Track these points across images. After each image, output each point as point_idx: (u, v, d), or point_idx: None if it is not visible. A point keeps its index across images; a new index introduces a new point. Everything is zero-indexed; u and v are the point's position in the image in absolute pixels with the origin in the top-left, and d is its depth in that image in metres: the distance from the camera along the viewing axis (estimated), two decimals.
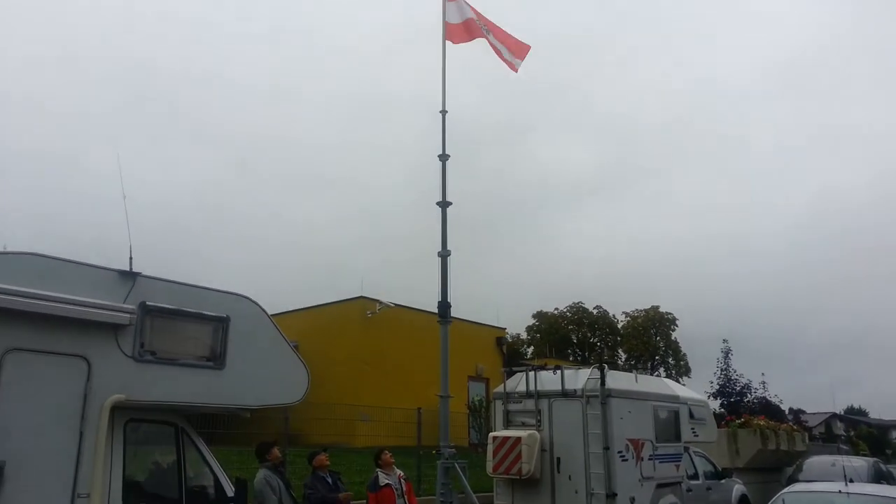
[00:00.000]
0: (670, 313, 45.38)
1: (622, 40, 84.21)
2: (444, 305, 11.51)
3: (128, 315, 5.85)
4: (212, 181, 60.12)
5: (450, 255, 11.81)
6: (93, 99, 57.68)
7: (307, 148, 67.39)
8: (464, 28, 13.00)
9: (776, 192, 78.72)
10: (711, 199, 77.34)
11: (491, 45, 13.15)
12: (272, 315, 7.27)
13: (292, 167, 66.56)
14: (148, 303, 6.00)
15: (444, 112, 12.43)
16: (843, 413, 60.95)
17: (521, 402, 12.10)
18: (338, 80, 76.22)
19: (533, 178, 74.45)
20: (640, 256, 67.05)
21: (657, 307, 45.98)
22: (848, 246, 77.99)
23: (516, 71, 13.22)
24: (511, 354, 31.62)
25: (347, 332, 23.11)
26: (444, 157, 12.24)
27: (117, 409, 5.83)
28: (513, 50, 13.30)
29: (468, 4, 13.14)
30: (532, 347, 46.58)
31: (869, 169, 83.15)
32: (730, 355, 29.46)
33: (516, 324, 46.86)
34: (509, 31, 13.52)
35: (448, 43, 12.70)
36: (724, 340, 30.01)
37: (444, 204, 12.04)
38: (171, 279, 6.37)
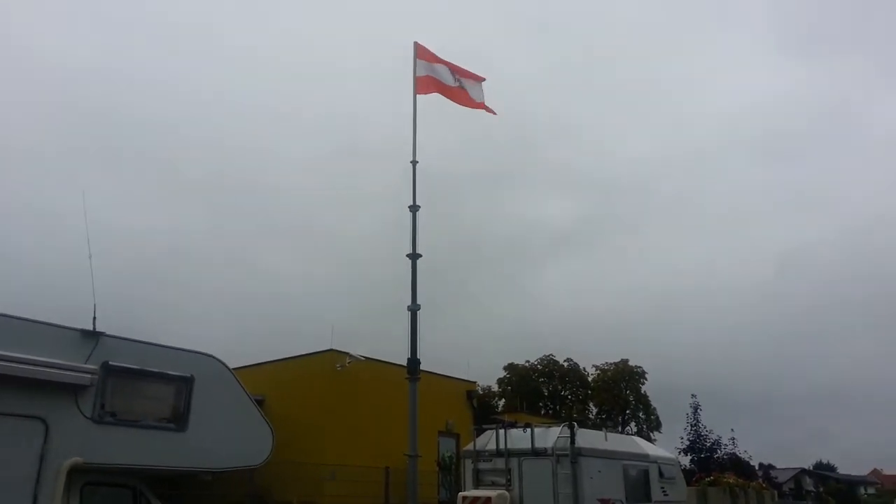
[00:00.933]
0: (639, 367, 45.56)
1: (596, 98, 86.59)
2: (414, 362, 11.38)
3: (89, 376, 5.74)
4: (182, 228, 59.52)
5: (419, 308, 11.62)
6: (55, 142, 57.09)
7: (278, 196, 67.30)
8: (428, 81, 13.51)
9: (746, 249, 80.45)
10: (681, 254, 78.74)
11: (458, 96, 13.63)
12: (238, 368, 7.19)
13: (265, 216, 66.33)
14: (110, 363, 5.90)
15: (414, 163, 12.48)
16: (811, 468, 61.14)
17: (491, 461, 11.96)
18: (314, 130, 76.89)
19: (506, 230, 75.25)
20: (611, 310, 67.62)
21: (626, 360, 46.15)
22: (816, 302, 79.60)
23: (495, 113, 13.83)
24: (482, 408, 31.28)
25: (315, 387, 22.70)
26: (414, 209, 12.13)
27: (74, 472, 5.66)
28: (473, 81, 13.88)
29: (439, 62, 13.68)
30: (503, 400, 46.18)
31: (834, 227, 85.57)
32: (699, 410, 29.56)
33: (488, 376, 46.52)
34: (467, 69, 14.09)
35: (419, 96, 13.14)
36: (693, 395, 30.18)
37: (414, 256, 11.86)
38: (135, 338, 6.29)
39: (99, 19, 65.41)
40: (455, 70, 13.85)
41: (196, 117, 67.56)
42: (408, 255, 11.95)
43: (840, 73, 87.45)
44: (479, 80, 14.09)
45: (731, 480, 20.37)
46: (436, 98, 13.62)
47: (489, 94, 14.18)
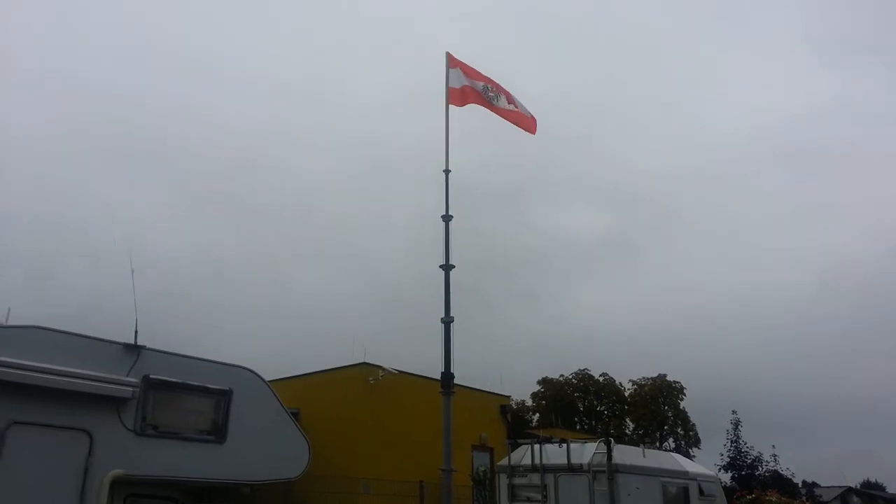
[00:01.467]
0: (678, 382, 44.73)
1: (629, 106, 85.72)
2: (448, 376, 11.29)
3: (131, 389, 5.85)
4: (214, 249, 60.49)
5: (453, 321, 11.36)
6: (95, 167, 58.67)
7: (310, 215, 68.09)
8: (461, 93, 13.45)
9: (787, 263, 78.48)
10: (717, 268, 77.14)
11: (499, 111, 13.55)
12: (273, 381, 7.26)
13: (297, 235, 67.08)
14: (151, 376, 6.01)
15: (447, 171, 12.27)
16: (858, 487, 59.23)
17: (526, 476, 11.83)
18: (344, 148, 77.68)
19: (540, 242, 74.77)
20: (648, 324, 66.46)
21: (664, 375, 45.33)
22: (860, 317, 77.18)
23: (534, 132, 13.71)
24: (516, 422, 31.06)
25: (349, 399, 22.78)
26: (447, 218, 11.92)
27: (117, 484, 5.76)
28: (522, 122, 13.73)
29: (473, 73, 13.64)
30: (537, 415, 45.75)
31: (879, 240, 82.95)
32: (739, 426, 28.87)
33: (521, 390, 46.13)
34: (518, 99, 13.97)
35: (452, 107, 13.08)
36: (734, 411, 29.43)
37: (447, 267, 11.62)
38: (175, 352, 6.41)
39: (129, 47, 67.12)
40: (489, 82, 13.75)
41: (226, 139, 68.83)
42: (441, 266, 11.70)
43: (879, 83, 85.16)
44: (507, 93, 13.96)
45: (773, 499, 19.83)
46: (463, 114, 13.52)
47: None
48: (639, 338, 63.03)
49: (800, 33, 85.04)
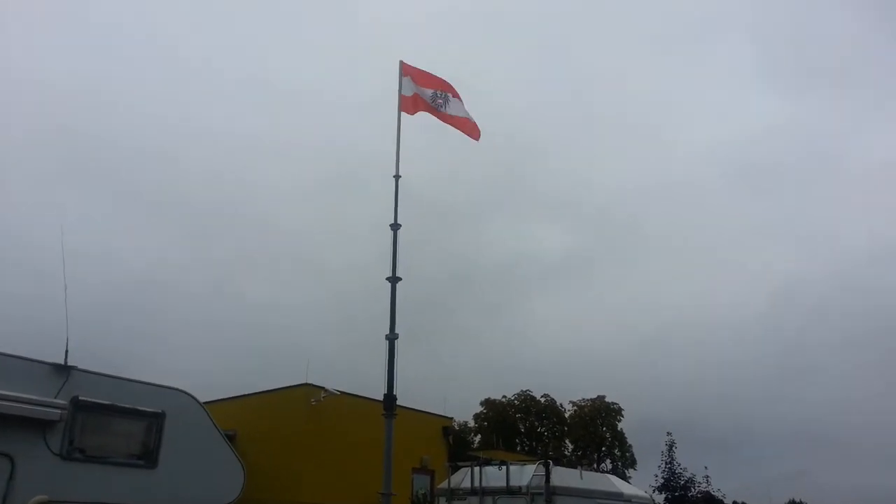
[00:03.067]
0: (616, 403, 45.58)
1: (586, 125, 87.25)
2: (390, 398, 11.18)
3: (58, 411, 5.65)
4: (163, 256, 58.77)
5: (398, 338, 11.07)
6: (33, 165, 56.32)
7: (264, 225, 66.91)
8: (413, 100, 13.60)
9: (737, 283, 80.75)
10: (671, 287, 78.62)
11: (445, 117, 13.69)
12: (210, 402, 7.14)
13: (249, 245, 65.77)
14: (80, 398, 5.82)
15: (397, 177, 12.09)
16: None
17: (465, 500, 11.87)
18: (301, 159, 76.76)
19: (493, 259, 75.12)
20: (596, 343, 67.35)
21: (603, 396, 46.17)
22: (805, 339, 79.86)
23: (478, 137, 13.81)
24: (458, 444, 31.06)
25: (290, 421, 22.43)
26: (395, 227, 11.59)
27: None
28: (466, 128, 13.92)
29: (424, 80, 13.76)
30: (479, 436, 45.84)
31: (826, 261, 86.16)
32: (674, 447, 29.56)
33: (465, 410, 46.16)
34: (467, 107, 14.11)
35: (404, 115, 13.17)
36: (668, 433, 30.16)
37: (393, 280, 11.24)
38: (107, 373, 6.22)
39: (89, 45, 65.19)
40: (442, 89, 13.83)
41: (180, 145, 67.29)
42: (387, 279, 11.33)
43: (832, 106, 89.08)
44: (458, 96, 14.06)
45: None
46: (423, 126, 13.63)
47: (477, 119, 14.14)
48: (588, 355, 63.79)
49: (751, 60, 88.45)
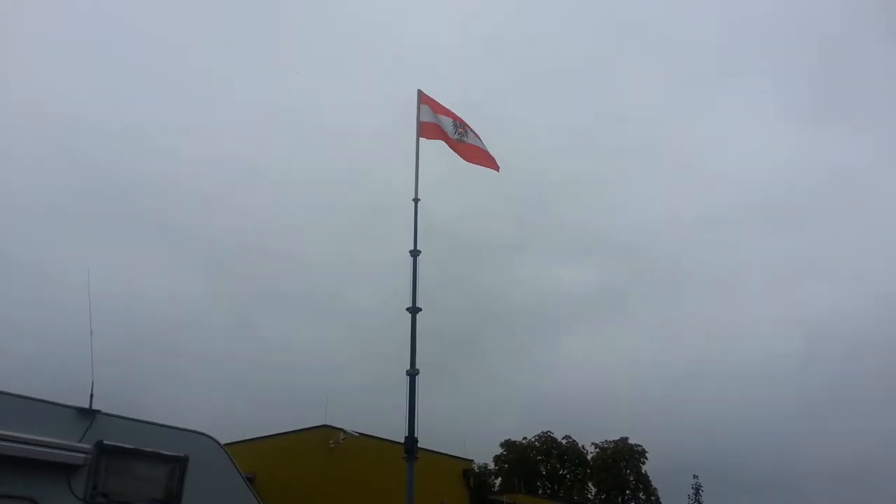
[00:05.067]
0: (640, 445, 44.67)
1: (616, 159, 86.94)
2: (411, 441, 11.06)
3: (82, 455, 5.63)
4: (183, 293, 59.08)
5: (419, 373, 10.73)
6: (55, 199, 56.86)
7: (284, 261, 67.11)
8: (432, 128, 13.72)
9: (771, 320, 78.80)
10: (701, 324, 77.16)
11: (462, 147, 13.77)
12: (230, 444, 7.06)
13: (268, 281, 65.90)
14: (105, 442, 5.80)
15: (416, 200, 11.92)
16: None
17: None
18: (321, 192, 77.07)
19: (521, 296, 74.39)
20: (624, 382, 66.02)
21: (626, 438, 45.29)
22: (842, 375, 77.45)
23: (497, 169, 13.88)
24: (478, 487, 30.56)
25: (308, 464, 22.28)
26: (415, 253, 11.28)
27: None
28: (486, 160, 14.00)
29: (441, 110, 13.89)
30: (500, 479, 45.04)
31: (861, 297, 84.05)
32: (700, 491, 28.86)
33: (486, 451, 45.36)
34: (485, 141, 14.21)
35: (423, 141, 13.22)
36: (695, 476, 29.51)
37: (413, 310, 10.83)
38: (131, 416, 6.21)
39: (104, 74, 66.58)
40: (458, 121, 13.97)
41: (197, 178, 68.10)
42: (407, 309, 10.95)
43: (864, 139, 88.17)
44: (474, 131, 14.16)
45: None
46: (451, 161, 13.71)
47: (501, 153, 14.20)
48: (615, 392, 62.33)
49: (773, 100, 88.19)
